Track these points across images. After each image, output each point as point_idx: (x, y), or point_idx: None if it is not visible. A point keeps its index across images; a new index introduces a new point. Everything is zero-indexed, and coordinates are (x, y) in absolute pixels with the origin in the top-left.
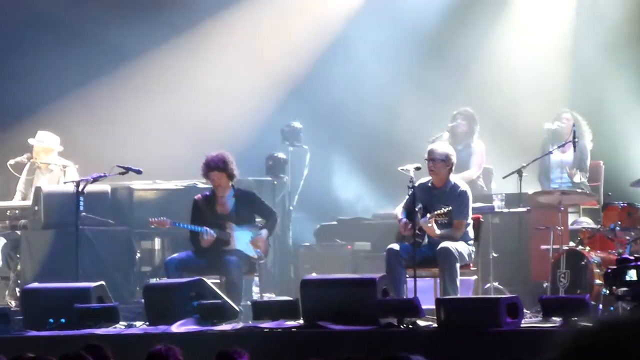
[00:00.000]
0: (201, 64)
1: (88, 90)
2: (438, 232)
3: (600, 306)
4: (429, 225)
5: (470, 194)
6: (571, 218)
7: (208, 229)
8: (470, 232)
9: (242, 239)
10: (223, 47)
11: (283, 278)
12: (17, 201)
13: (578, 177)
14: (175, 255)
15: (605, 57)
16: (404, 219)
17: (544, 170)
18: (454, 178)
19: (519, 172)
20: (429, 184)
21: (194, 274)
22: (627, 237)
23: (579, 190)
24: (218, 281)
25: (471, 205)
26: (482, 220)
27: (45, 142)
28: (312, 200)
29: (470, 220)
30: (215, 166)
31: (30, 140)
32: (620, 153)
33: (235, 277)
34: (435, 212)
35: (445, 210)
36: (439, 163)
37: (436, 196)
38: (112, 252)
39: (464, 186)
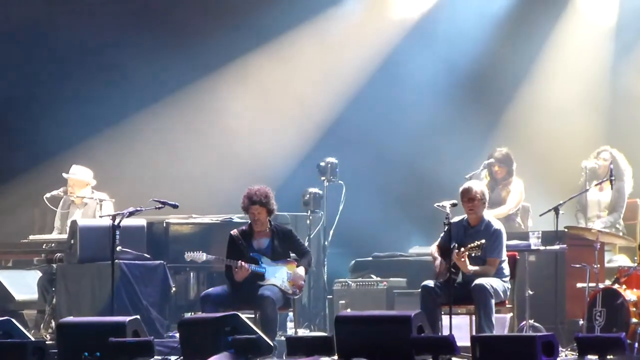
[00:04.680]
0: (238, 99)
1: (125, 125)
2: (470, 268)
3: (636, 345)
4: (462, 260)
5: (504, 232)
6: (607, 256)
7: (242, 262)
8: (506, 269)
9: (277, 275)
10: (260, 83)
11: (317, 313)
12: (53, 235)
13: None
14: (210, 289)
15: None
16: (439, 260)
17: (581, 209)
18: (487, 216)
19: (556, 209)
20: (464, 223)
21: (229, 309)
22: None
23: (614, 230)
24: (253, 316)
25: (505, 243)
26: (518, 257)
27: (78, 175)
28: (348, 235)
29: (505, 258)
30: (258, 200)
31: (65, 174)
32: None
33: (270, 312)
34: (469, 246)
35: (479, 244)
36: (478, 202)
37: (470, 235)
38: (148, 287)
39: (497, 224)
